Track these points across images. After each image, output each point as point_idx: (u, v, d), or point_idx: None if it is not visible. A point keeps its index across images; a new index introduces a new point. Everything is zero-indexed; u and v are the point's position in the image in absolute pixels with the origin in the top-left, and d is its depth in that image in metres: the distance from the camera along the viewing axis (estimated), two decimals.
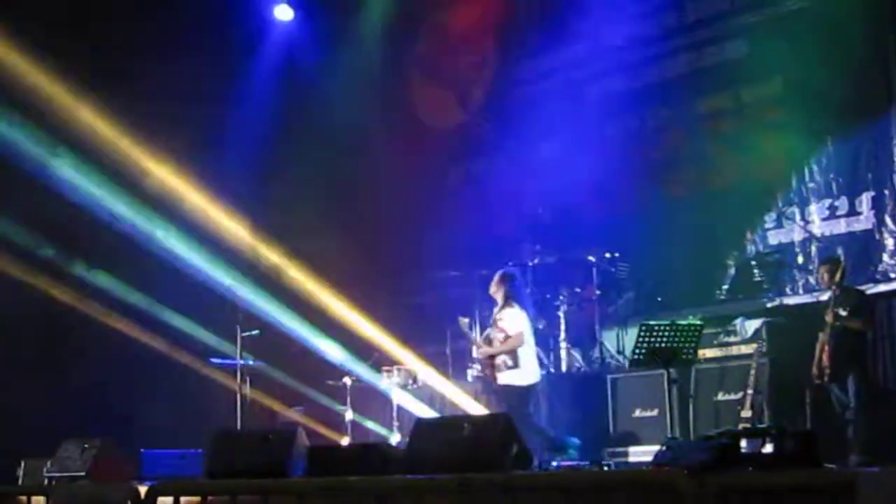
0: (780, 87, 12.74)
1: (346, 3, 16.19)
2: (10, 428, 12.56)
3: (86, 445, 9.92)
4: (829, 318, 9.92)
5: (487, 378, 10.97)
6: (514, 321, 10.72)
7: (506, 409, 10.59)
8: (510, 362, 10.66)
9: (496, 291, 10.93)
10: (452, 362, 13.60)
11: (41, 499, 8.10)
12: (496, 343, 10.77)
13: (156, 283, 13.43)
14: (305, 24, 16.14)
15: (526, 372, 10.72)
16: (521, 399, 10.65)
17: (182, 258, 13.54)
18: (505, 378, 10.69)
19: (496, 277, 10.98)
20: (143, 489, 7.04)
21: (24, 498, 8.31)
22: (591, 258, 12.61)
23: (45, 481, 9.87)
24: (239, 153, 14.83)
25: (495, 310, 10.98)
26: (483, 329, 13.18)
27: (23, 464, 10.50)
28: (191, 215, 13.83)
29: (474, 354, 11.13)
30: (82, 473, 9.63)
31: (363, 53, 16.42)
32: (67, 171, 12.98)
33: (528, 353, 10.77)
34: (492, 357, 10.75)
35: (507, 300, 10.80)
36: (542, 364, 12.35)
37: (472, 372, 12.93)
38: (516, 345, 10.64)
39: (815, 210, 12.32)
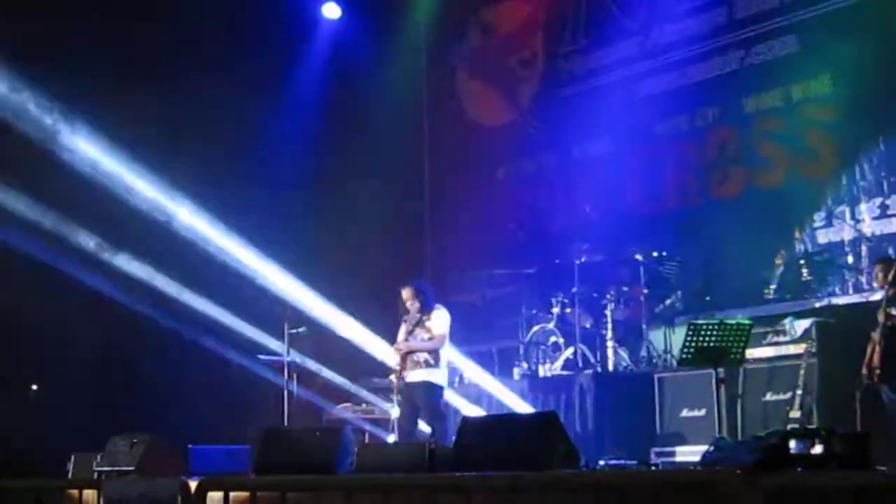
0: (830, 85, 12.61)
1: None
2: (60, 423, 12.71)
3: (135, 441, 10.00)
4: (881, 317, 9.78)
5: (398, 374, 10.94)
6: (442, 322, 10.79)
7: (423, 403, 10.67)
8: (431, 361, 10.71)
9: (413, 301, 10.92)
10: (499, 360, 13.60)
11: (92, 492, 8.16)
12: (418, 340, 10.79)
13: (204, 280, 13.53)
14: (353, 21, 16.19)
15: (442, 373, 10.84)
16: (435, 397, 10.75)
17: (230, 255, 13.64)
18: (422, 375, 10.72)
19: (410, 292, 10.94)
20: (193, 484, 7.08)
21: (75, 492, 8.38)
22: (639, 257, 12.54)
23: (95, 475, 9.97)
24: (286, 151, 14.91)
25: (415, 314, 10.93)
26: (529, 327, 13.19)
27: (72, 458, 10.61)
28: (239, 213, 13.92)
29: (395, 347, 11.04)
30: (132, 468, 9.72)
31: (411, 51, 16.46)
32: (121, 171, 13.12)
33: (447, 356, 10.95)
34: (408, 353, 10.78)
35: (433, 303, 10.85)
36: (588, 363, 12.33)
37: (519, 370, 12.93)
38: (438, 345, 10.73)
39: (866, 209, 12.17)
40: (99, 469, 10.00)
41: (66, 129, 12.78)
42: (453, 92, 17.08)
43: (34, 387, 13.65)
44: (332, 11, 16.13)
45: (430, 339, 10.75)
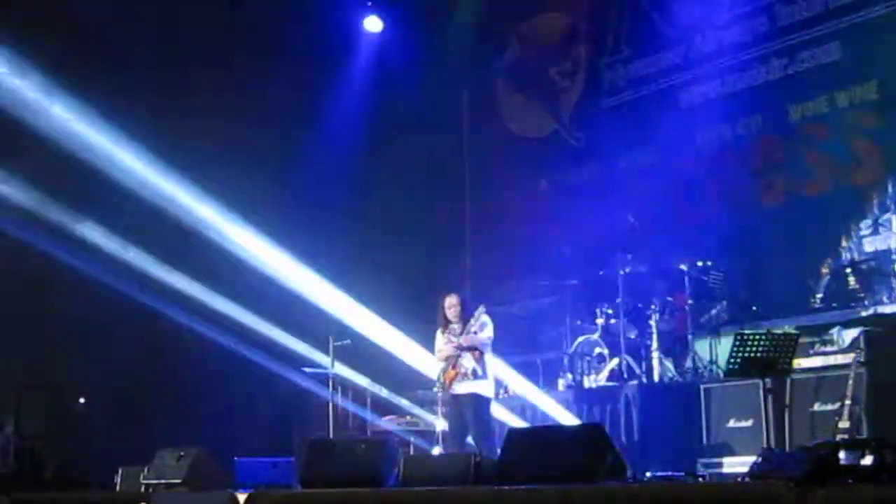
0: (875, 92, 12.50)
1: (435, 13, 16.27)
2: (107, 435, 12.81)
3: (181, 453, 10.07)
4: None
5: (444, 385, 10.88)
6: (489, 327, 10.83)
7: (472, 417, 10.62)
8: (479, 372, 10.70)
9: (456, 310, 10.90)
10: (543, 371, 13.56)
11: None
12: (467, 354, 10.74)
13: (250, 293, 13.60)
14: (394, 35, 16.24)
15: (490, 384, 10.86)
16: (486, 409, 10.76)
17: (275, 268, 13.72)
18: (470, 387, 10.70)
19: (456, 299, 10.95)
20: (241, 497, 7.12)
21: None
22: (684, 267, 12.46)
23: (143, 488, 10.04)
24: (328, 165, 14.97)
25: (457, 324, 10.91)
26: (574, 338, 13.14)
27: (120, 471, 10.68)
28: (283, 226, 13.99)
29: (446, 344, 10.95)
30: (178, 481, 9.77)
31: (451, 64, 16.48)
32: (164, 186, 13.25)
33: (493, 368, 10.94)
34: (455, 366, 10.73)
35: (475, 311, 10.82)
36: (633, 374, 12.27)
37: (564, 381, 12.89)
38: (486, 343, 10.77)
39: None
40: (146, 482, 10.08)
41: (114, 145, 12.94)
42: (494, 104, 17.08)
43: (81, 400, 13.76)
44: (373, 25, 16.19)
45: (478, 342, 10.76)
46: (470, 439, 10.78)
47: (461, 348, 10.73)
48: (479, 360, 10.73)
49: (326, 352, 12.62)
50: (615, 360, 12.44)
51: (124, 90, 13.09)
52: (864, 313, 11.30)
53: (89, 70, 13.03)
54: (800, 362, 10.03)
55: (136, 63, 13.48)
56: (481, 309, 10.81)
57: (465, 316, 10.83)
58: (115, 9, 13.29)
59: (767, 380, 9.34)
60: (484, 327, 10.81)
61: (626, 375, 12.27)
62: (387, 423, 13.11)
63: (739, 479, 8.98)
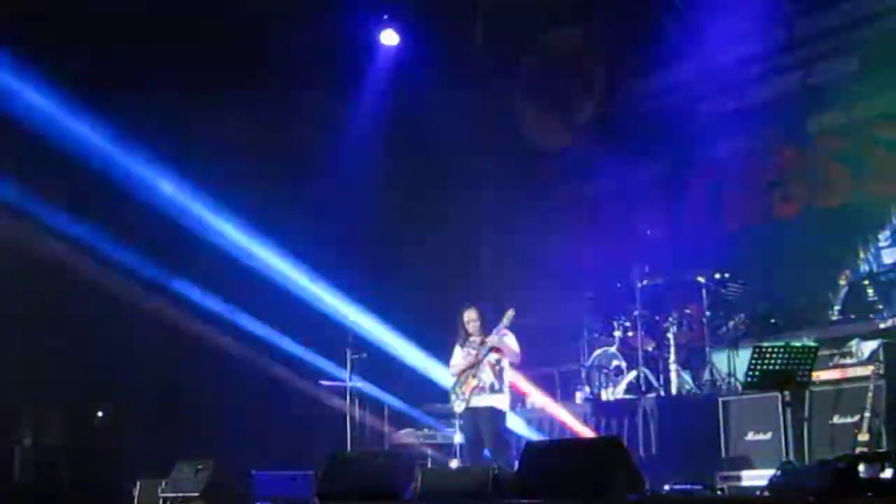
0: (892, 103, 12.48)
1: (452, 25, 16.28)
2: (125, 449, 12.84)
3: (199, 466, 10.10)
4: None
5: (463, 394, 10.87)
6: (515, 343, 10.92)
7: (488, 430, 10.63)
8: (497, 385, 10.73)
9: (477, 322, 10.96)
10: (561, 384, 13.54)
11: None
12: (487, 367, 10.77)
13: (267, 307, 13.63)
14: (410, 47, 16.25)
15: (507, 397, 10.89)
16: (502, 422, 10.81)
17: (293, 281, 13.75)
18: (488, 400, 10.72)
19: (477, 312, 11.01)
20: None
21: None
22: (701, 279, 12.44)
23: (160, 502, 10.07)
24: (345, 179, 14.99)
25: (476, 336, 10.94)
26: (591, 351, 13.11)
27: (137, 484, 10.71)
28: (300, 240, 14.01)
29: (464, 358, 11.00)
30: (196, 494, 9.80)
31: (468, 76, 16.49)
32: (184, 200, 13.31)
33: (509, 378, 10.97)
34: (476, 375, 10.73)
35: (493, 326, 10.84)
36: (651, 386, 12.24)
37: (581, 394, 12.86)
38: (515, 360, 10.91)
39: None
40: (164, 495, 10.11)
41: (135, 163, 13.02)
42: (510, 116, 17.08)
43: (100, 413, 13.80)
44: (389, 38, 16.20)
45: (507, 355, 10.78)
46: (487, 452, 10.78)
47: (486, 348, 10.75)
48: (499, 374, 10.77)
49: (343, 365, 12.62)
50: (633, 373, 12.42)
51: (142, 106, 13.15)
52: (882, 325, 11.26)
53: (110, 87, 13.08)
54: (818, 375, 9.99)
55: (157, 83, 13.53)
56: (510, 313, 10.82)
57: (486, 329, 10.85)
58: (136, 25, 13.37)
59: (786, 392, 9.31)
60: (510, 346, 10.84)
61: (643, 388, 12.24)
62: (404, 435, 13.09)
63: (758, 493, 8.95)
